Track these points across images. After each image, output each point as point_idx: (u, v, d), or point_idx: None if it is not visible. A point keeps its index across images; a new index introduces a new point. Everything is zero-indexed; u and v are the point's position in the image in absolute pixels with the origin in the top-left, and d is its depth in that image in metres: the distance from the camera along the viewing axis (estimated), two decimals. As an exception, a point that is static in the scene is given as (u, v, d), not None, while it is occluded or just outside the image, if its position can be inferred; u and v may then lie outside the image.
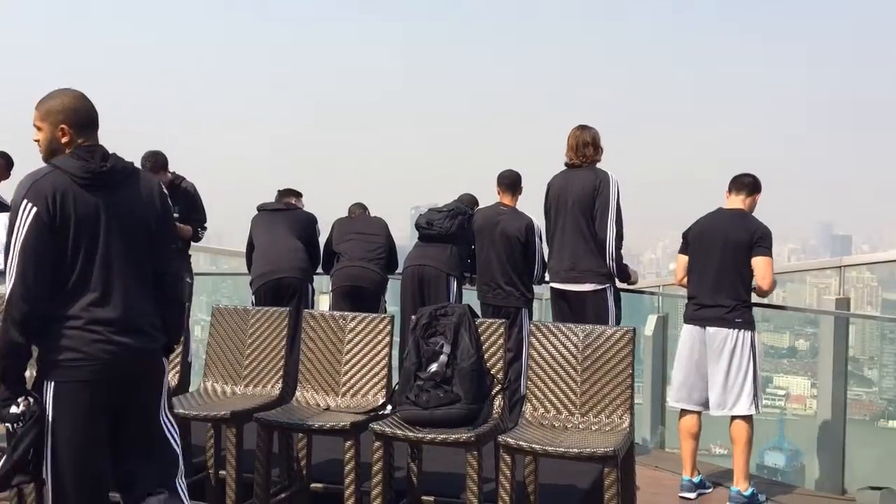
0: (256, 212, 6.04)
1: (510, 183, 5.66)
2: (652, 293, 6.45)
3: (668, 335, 6.35)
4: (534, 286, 5.66)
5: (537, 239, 5.52)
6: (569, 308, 4.98)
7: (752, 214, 4.59)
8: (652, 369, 6.19)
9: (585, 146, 4.95)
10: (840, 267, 5.69)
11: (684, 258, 4.70)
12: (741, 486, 4.48)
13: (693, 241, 4.63)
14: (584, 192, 4.87)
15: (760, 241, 4.45)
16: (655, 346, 6.19)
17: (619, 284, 5.13)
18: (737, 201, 4.59)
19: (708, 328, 4.50)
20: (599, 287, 4.89)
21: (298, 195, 6.32)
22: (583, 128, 5.01)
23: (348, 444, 3.56)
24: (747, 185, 4.59)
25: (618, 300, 5.01)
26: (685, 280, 4.73)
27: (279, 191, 6.34)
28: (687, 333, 4.63)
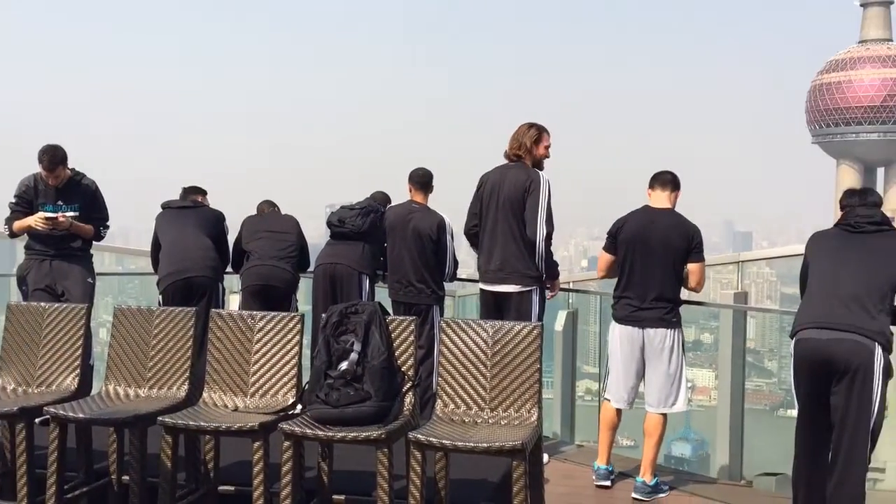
0: (161, 209, 5.88)
1: (422, 181, 5.68)
2: (562, 289, 6.58)
3: (577, 330, 6.49)
4: (445, 283, 5.69)
5: (448, 237, 5.54)
6: (496, 308, 4.98)
7: (682, 214, 4.69)
8: (562, 364, 6.31)
9: (528, 142, 4.91)
10: (738, 262, 5.94)
11: (609, 256, 4.75)
12: (646, 476, 4.62)
13: (625, 241, 4.63)
14: (515, 192, 4.84)
15: (698, 246, 4.59)
16: (565, 342, 6.32)
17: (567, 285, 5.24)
18: (662, 198, 4.67)
19: (647, 329, 4.58)
20: (525, 289, 4.88)
21: (204, 193, 6.18)
22: (529, 125, 4.99)
23: (257, 444, 3.50)
24: (670, 181, 4.69)
25: (543, 301, 5.05)
26: (605, 276, 4.83)
27: (184, 188, 6.19)
28: (624, 334, 4.66)
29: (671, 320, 4.57)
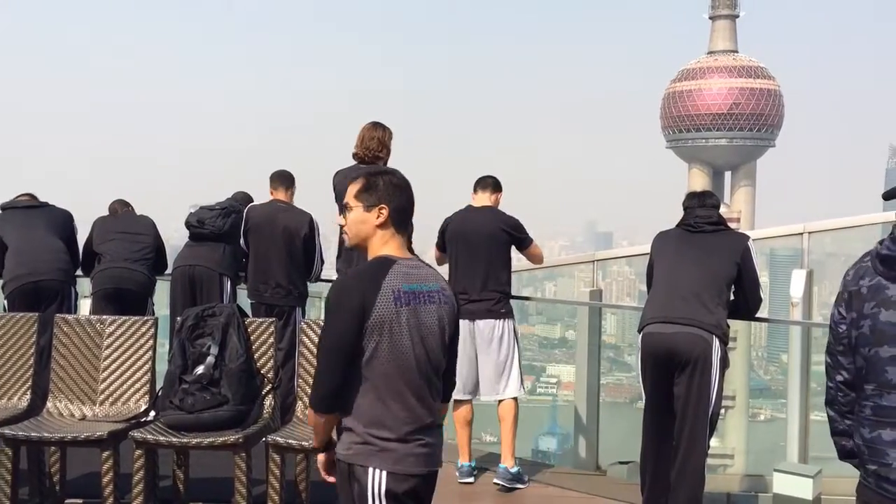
0: (1, 210, 5.50)
1: (284, 180, 5.59)
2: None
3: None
4: (310, 284, 5.63)
5: (317, 234, 5.49)
6: None
7: (502, 210, 4.88)
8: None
9: (372, 140, 4.90)
10: (594, 261, 6.19)
11: (440, 253, 4.94)
12: (508, 462, 4.75)
13: (452, 238, 4.83)
14: None
15: (519, 231, 4.79)
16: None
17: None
18: (484, 199, 4.88)
19: (477, 321, 4.72)
20: None
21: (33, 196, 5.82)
22: (375, 125, 4.99)
23: (106, 454, 3.36)
24: (491, 184, 4.90)
25: None
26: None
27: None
28: None
29: (500, 311, 4.75)
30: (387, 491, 2.19)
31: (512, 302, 4.99)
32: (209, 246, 5.54)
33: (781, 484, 4.16)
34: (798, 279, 5.08)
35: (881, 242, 2.05)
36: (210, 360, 3.50)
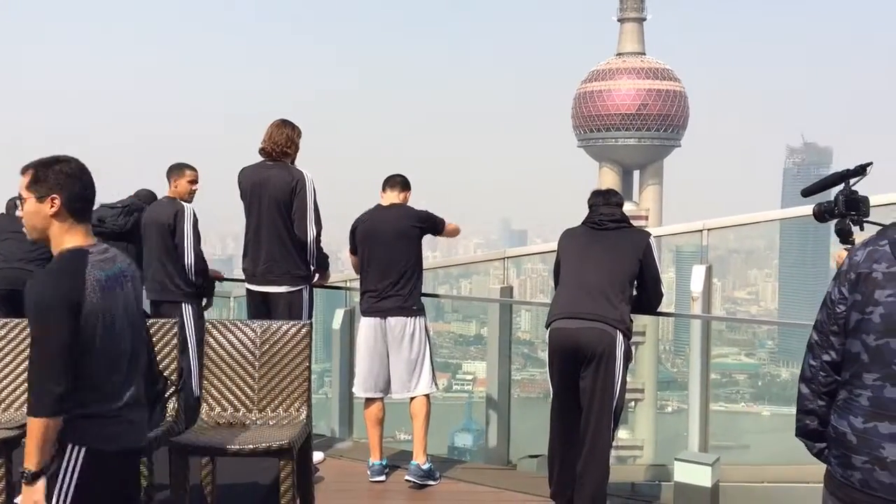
0: None
1: (168, 173, 5.42)
2: (339, 288, 6.60)
3: (355, 328, 6.55)
4: (196, 278, 5.27)
5: (187, 224, 5.20)
6: (266, 309, 4.87)
7: (410, 206, 4.89)
8: (340, 362, 6.34)
9: (281, 136, 4.84)
10: (504, 258, 6.26)
11: (354, 258, 4.92)
12: (420, 459, 4.77)
13: (363, 238, 4.81)
14: (281, 193, 4.76)
15: (429, 221, 4.81)
16: (343, 339, 6.35)
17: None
18: (392, 197, 4.88)
19: (389, 318, 4.72)
20: (295, 288, 4.85)
21: None
22: (284, 122, 4.92)
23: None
24: (399, 183, 4.90)
25: (312, 300, 5.01)
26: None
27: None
28: (367, 325, 4.82)
29: (411, 308, 4.76)
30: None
31: (428, 300, 5.01)
32: (111, 245, 5.35)
33: (682, 472, 4.31)
34: (698, 275, 5.26)
35: None
36: (109, 362, 3.39)
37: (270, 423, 3.55)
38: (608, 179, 78.07)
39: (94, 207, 5.57)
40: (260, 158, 4.92)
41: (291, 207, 4.76)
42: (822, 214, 2.76)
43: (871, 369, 1.95)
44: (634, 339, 4.16)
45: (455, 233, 5.10)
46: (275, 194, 4.77)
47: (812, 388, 2.11)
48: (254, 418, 3.57)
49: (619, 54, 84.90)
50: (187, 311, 5.20)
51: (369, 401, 4.90)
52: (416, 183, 5.06)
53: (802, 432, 2.17)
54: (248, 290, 4.97)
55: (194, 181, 5.37)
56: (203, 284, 5.32)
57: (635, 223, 4.54)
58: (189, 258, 5.19)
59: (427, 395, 4.84)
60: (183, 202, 5.26)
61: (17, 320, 3.72)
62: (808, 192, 2.88)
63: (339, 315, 6.36)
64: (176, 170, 5.35)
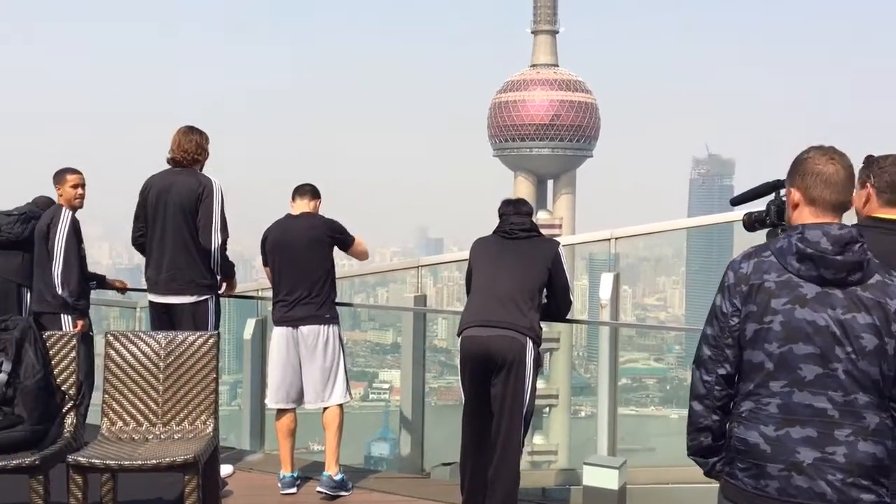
0: None
1: (53, 180, 5.10)
2: (251, 297, 6.49)
3: (267, 338, 6.44)
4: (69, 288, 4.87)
5: (60, 230, 4.86)
6: (169, 320, 4.70)
7: (321, 215, 4.86)
8: (251, 372, 6.23)
9: (189, 143, 4.73)
10: (418, 267, 6.28)
11: (268, 269, 4.83)
12: (332, 470, 4.71)
13: (273, 248, 4.74)
14: (187, 199, 4.64)
15: (340, 233, 4.77)
16: (254, 350, 6.24)
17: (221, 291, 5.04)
18: (302, 206, 4.84)
19: (301, 327, 4.66)
20: (201, 298, 4.72)
21: None
22: (190, 128, 4.81)
23: None
24: (309, 192, 4.86)
25: (218, 310, 4.89)
26: None
27: None
28: (279, 335, 4.75)
29: (324, 316, 4.71)
30: None
31: (345, 308, 4.95)
32: (6, 254, 5.12)
33: (590, 476, 4.39)
34: (606, 282, 5.38)
35: (788, 238, 2.05)
36: (2, 377, 3.24)
37: (175, 436, 3.46)
38: (523, 188, 79.21)
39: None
40: (167, 167, 4.80)
41: (197, 214, 4.65)
42: (752, 224, 2.79)
43: (777, 377, 2.00)
44: (549, 345, 4.25)
45: (363, 255, 5.04)
46: (180, 201, 4.65)
47: (706, 404, 2.13)
48: (157, 432, 3.47)
49: (534, 66, 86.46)
50: (67, 323, 4.83)
51: (281, 412, 4.82)
52: (331, 192, 5.02)
53: (696, 450, 2.19)
54: (150, 301, 4.81)
55: (77, 185, 5.03)
56: (73, 296, 4.84)
57: (549, 231, 4.63)
58: (57, 267, 4.82)
59: (340, 406, 4.79)
60: (68, 208, 4.96)
61: None
62: (737, 202, 2.88)
63: (250, 325, 6.26)
64: (58, 176, 5.06)
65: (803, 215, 2.11)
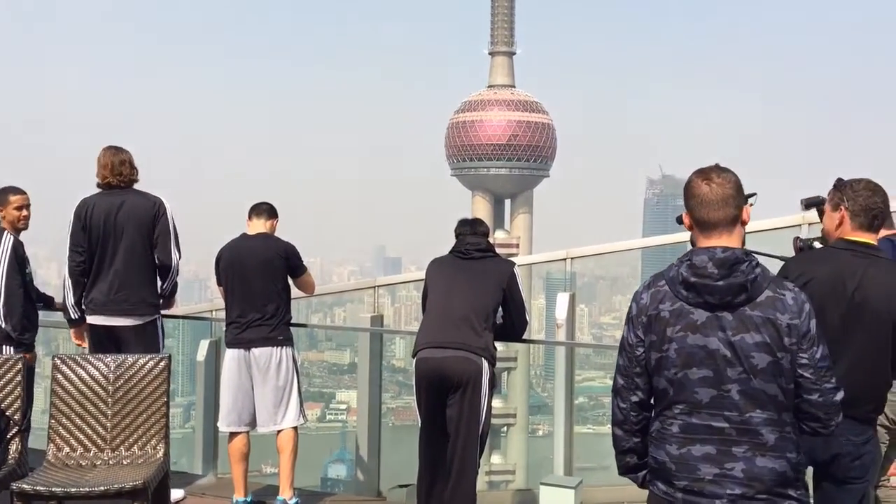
0: None
1: None
2: (204, 318, 6.40)
3: (220, 359, 6.35)
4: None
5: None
6: (114, 342, 4.54)
7: (277, 237, 4.82)
8: (204, 394, 6.12)
9: (122, 165, 4.67)
10: (375, 287, 6.26)
11: (221, 289, 4.77)
12: (286, 494, 4.65)
13: (226, 267, 4.69)
14: (142, 218, 4.57)
15: (294, 259, 4.72)
16: (208, 372, 6.14)
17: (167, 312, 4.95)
18: (259, 225, 4.79)
19: (253, 349, 4.60)
20: (150, 318, 4.64)
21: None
22: (116, 149, 4.71)
23: None
24: (266, 210, 4.82)
25: (163, 331, 4.80)
26: None
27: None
28: (232, 357, 4.68)
29: (277, 338, 4.66)
30: None
31: (301, 329, 4.88)
32: None
33: (547, 496, 4.40)
34: (562, 302, 5.43)
35: (678, 268, 2.13)
36: (-57, 403, 3.14)
37: (124, 462, 3.38)
38: (480, 208, 79.63)
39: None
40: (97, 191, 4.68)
41: (153, 233, 4.58)
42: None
43: (677, 400, 2.12)
44: (507, 364, 4.26)
45: (310, 288, 4.96)
46: (136, 220, 4.58)
47: (625, 429, 2.27)
48: (106, 458, 3.39)
49: (491, 86, 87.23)
50: (10, 353, 4.41)
51: (233, 435, 4.74)
52: (289, 212, 4.97)
53: (625, 470, 2.33)
54: (91, 324, 4.64)
55: (22, 206, 4.77)
56: (16, 330, 4.44)
57: (507, 251, 4.66)
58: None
59: (295, 428, 4.73)
60: (10, 232, 4.66)
61: None
62: (682, 220, 2.94)
63: (203, 346, 6.16)
64: (0, 196, 4.79)
65: (696, 237, 2.21)
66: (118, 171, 4.63)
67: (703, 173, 2.19)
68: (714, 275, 2.08)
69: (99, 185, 4.69)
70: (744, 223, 2.20)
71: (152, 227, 4.59)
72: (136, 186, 4.75)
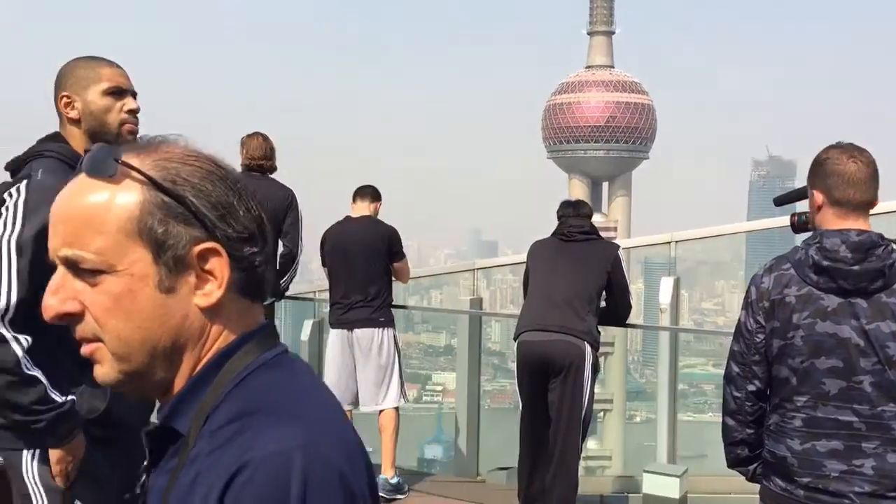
0: None
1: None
2: (308, 299, 6.56)
3: (323, 339, 6.50)
4: None
5: None
6: None
7: (381, 220, 4.86)
8: (309, 373, 6.28)
9: (268, 152, 4.68)
10: (474, 270, 6.26)
11: (326, 269, 4.87)
12: (388, 473, 4.72)
13: (331, 250, 4.77)
14: (275, 210, 4.56)
15: (395, 246, 4.77)
16: (311, 351, 6.30)
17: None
18: (362, 208, 4.85)
19: (356, 330, 4.69)
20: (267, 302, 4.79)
21: None
22: (266, 137, 4.70)
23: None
24: (370, 193, 4.87)
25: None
26: None
27: None
28: (335, 337, 4.79)
29: (378, 319, 4.72)
30: None
31: (399, 311, 4.95)
32: None
33: (650, 484, 4.31)
34: (666, 286, 5.29)
35: (805, 250, 2.01)
36: None
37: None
38: (577, 191, 78.72)
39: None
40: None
41: (283, 223, 4.57)
42: (802, 225, 2.71)
43: (800, 391, 1.99)
44: (604, 349, 4.18)
45: (405, 276, 4.95)
46: (273, 210, 4.52)
47: (738, 419, 2.14)
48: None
49: (589, 67, 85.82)
50: None
51: None
52: (386, 195, 5.02)
53: (734, 462, 2.22)
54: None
55: None
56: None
57: (604, 235, 4.55)
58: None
59: (396, 408, 4.79)
60: None
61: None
62: (781, 202, 2.81)
63: (307, 326, 6.32)
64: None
65: (826, 218, 2.05)
66: (268, 154, 4.66)
67: (845, 150, 2.04)
68: (848, 259, 1.95)
69: (243, 167, 4.71)
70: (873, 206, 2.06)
71: (284, 216, 4.63)
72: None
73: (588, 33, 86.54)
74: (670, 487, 4.21)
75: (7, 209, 1.81)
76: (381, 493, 4.65)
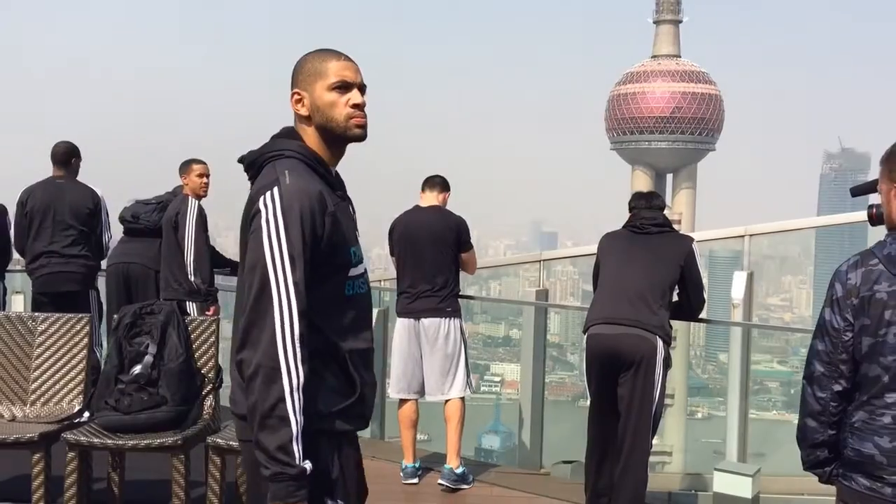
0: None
1: (179, 170, 5.36)
2: (377, 288, 6.59)
3: (387, 328, 6.54)
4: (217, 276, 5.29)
5: (186, 221, 5.10)
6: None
7: (450, 210, 4.86)
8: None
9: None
10: (540, 261, 6.21)
11: (394, 258, 4.88)
12: (453, 463, 4.72)
13: (399, 239, 4.79)
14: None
15: (464, 236, 4.77)
16: (376, 340, 6.34)
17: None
18: (431, 198, 4.85)
19: (422, 319, 4.70)
20: None
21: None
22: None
23: (36, 456, 3.24)
24: (439, 183, 4.87)
25: None
26: None
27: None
28: (402, 326, 4.80)
29: (445, 309, 4.72)
30: None
31: (460, 301, 4.95)
32: (144, 242, 5.39)
33: (721, 483, 4.22)
34: (739, 281, 5.16)
35: (894, 244, 1.97)
36: (148, 359, 3.40)
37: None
38: (641, 182, 77.51)
39: (129, 204, 5.62)
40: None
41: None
42: (879, 217, 2.61)
43: (892, 388, 1.95)
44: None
45: (472, 266, 4.92)
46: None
47: (821, 420, 2.09)
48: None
49: (654, 56, 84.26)
50: (192, 309, 5.05)
51: (403, 401, 4.87)
52: (451, 183, 5.01)
53: (813, 465, 2.16)
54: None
55: (203, 174, 5.23)
56: (205, 282, 5.09)
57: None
58: (189, 256, 5.07)
59: (462, 398, 4.79)
60: (193, 198, 5.18)
61: (58, 315, 3.73)
62: (858, 192, 2.72)
63: (373, 314, 6.36)
64: (184, 166, 5.28)
65: None
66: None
67: None
68: None
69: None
70: None
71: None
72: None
73: (654, 22, 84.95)
74: (742, 487, 4.12)
75: (268, 222, 1.76)
76: (446, 483, 4.68)
